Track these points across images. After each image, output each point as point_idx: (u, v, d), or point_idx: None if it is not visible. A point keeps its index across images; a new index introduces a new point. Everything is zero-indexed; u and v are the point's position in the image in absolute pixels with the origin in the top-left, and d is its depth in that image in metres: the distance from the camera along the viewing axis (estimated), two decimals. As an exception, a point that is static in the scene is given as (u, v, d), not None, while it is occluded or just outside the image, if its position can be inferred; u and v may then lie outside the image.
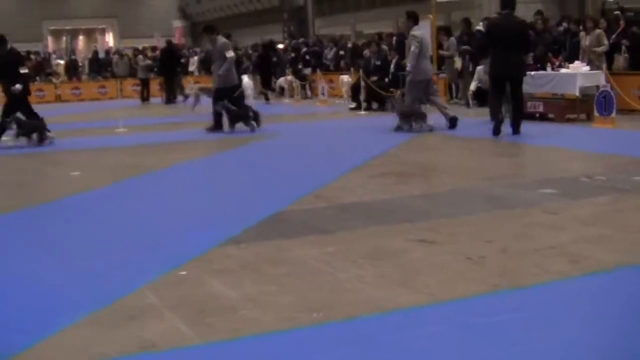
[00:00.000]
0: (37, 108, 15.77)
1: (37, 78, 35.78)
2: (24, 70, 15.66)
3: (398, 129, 14.56)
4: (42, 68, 36.56)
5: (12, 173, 11.39)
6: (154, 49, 32.87)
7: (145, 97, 29.02)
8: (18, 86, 15.05)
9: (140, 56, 31.84)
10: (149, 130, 17.41)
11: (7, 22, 56.75)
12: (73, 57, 39.88)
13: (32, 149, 14.23)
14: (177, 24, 54.16)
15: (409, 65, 14.68)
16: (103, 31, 63.47)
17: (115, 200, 8.68)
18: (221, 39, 16.69)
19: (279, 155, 12.32)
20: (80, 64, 38.37)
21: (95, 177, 10.47)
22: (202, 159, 11.96)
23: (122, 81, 31.05)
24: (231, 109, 15.76)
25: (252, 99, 21.95)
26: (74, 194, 8.99)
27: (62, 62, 38.51)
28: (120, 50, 37.26)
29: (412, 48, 14.53)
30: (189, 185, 9.55)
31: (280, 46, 31.86)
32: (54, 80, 34.88)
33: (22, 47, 48.44)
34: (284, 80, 27.35)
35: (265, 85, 26.56)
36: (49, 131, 14.93)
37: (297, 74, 27.31)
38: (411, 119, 14.57)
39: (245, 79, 23.59)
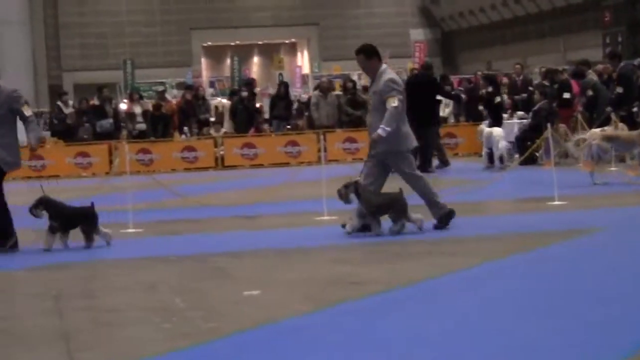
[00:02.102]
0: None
1: (186, 131, 22.90)
2: None
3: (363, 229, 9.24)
4: (193, 112, 23.10)
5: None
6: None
7: None
8: None
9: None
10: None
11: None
12: (243, 92, 23.80)
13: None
14: (418, 35, 35.37)
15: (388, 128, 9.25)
16: (293, 48, 41.99)
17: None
18: (5, 86, 9.35)
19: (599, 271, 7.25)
20: (257, 105, 24.90)
21: (281, 300, 6.61)
22: (458, 272, 7.26)
23: (327, 134, 19.55)
24: (60, 205, 9.22)
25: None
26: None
27: (225, 100, 26.14)
28: (322, 83, 23.77)
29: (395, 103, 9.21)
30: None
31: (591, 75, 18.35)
32: (212, 133, 22.37)
33: (151, 76, 32.17)
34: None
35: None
36: None
37: (628, 120, 16.17)
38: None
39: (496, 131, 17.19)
